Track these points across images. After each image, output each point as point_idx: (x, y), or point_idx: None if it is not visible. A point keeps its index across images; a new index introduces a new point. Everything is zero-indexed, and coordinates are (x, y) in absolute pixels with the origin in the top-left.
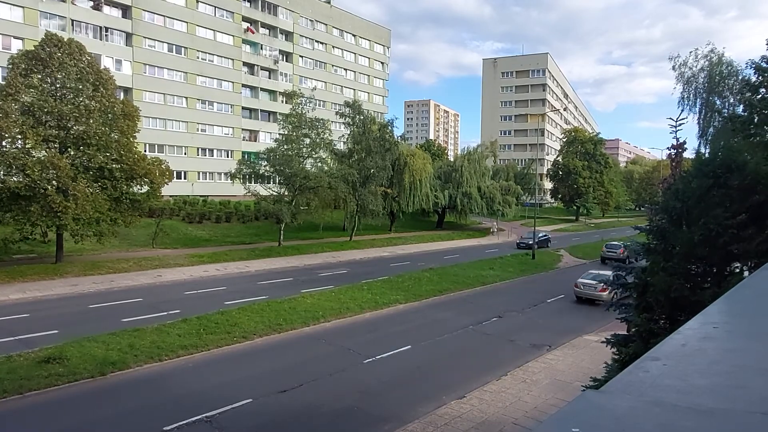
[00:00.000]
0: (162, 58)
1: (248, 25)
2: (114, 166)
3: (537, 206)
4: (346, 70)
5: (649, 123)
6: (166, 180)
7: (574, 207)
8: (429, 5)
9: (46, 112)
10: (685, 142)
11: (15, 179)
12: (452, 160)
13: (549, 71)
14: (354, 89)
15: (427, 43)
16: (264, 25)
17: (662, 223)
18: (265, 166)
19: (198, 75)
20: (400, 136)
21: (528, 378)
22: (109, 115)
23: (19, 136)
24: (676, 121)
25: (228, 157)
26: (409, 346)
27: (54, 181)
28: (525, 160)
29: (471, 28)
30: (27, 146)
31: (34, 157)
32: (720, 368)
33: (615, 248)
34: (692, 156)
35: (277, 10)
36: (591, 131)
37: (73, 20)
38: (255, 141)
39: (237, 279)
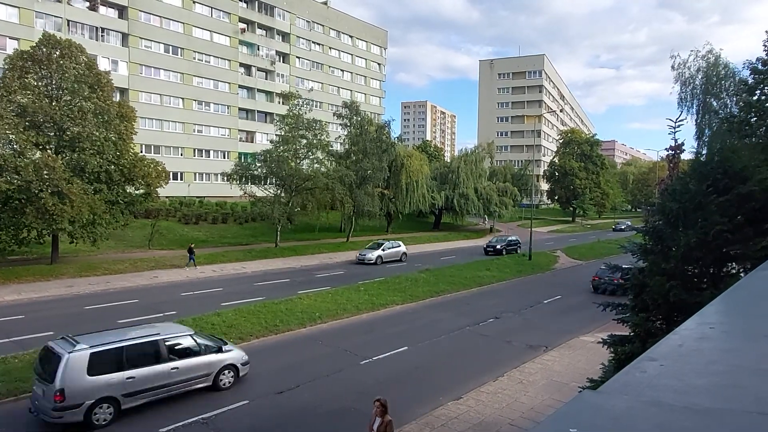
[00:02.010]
0: (158, 58)
1: (244, 25)
2: (110, 167)
3: (534, 207)
4: (342, 71)
5: (639, 124)
6: (163, 182)
7: (571, 208)
8: (418, 9)
9: (41, 114)
10: (683, 144)
11: (7, 179)
12: (449, 161)
13: (545, 72)
14: (351, 90)
15: (418, 46)
16: (261, 26)
17: (659, 225)
18: (260, 167)
19: (194, 76)
20: (397, 137)
21: (525, 379)
22: (105, 117)
23: (12, 136)
24: (675, 123)
25: (224, 158)
26: (406, 347)
27: (48, 184)
28: (522, 161)
29: (460, 32)
30: (21, 148)
31: (28, 159)
32: (717, 368)
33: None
34: (690, 157)
35: (273, 11)
36: (587, 132)
37: (69, 20)
38: (252, 142)
39: (233, 280)
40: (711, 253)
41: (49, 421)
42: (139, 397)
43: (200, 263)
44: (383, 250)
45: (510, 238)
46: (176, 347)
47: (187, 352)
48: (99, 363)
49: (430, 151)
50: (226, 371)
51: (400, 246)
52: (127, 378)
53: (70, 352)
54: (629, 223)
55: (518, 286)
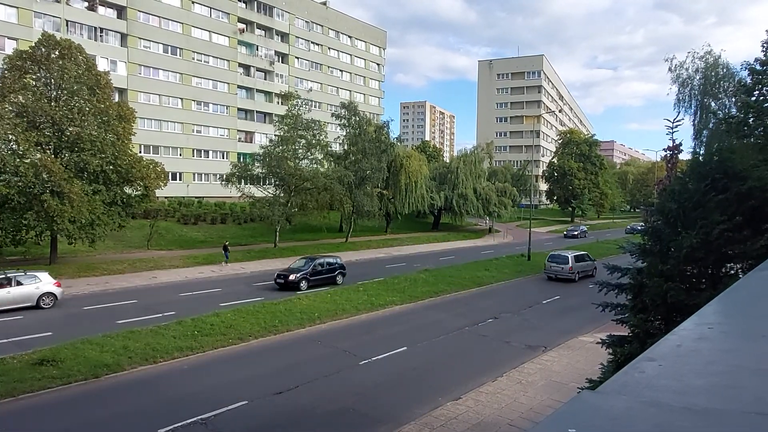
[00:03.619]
0: (157, 59)
1: (243, 26)
2: (108, 168)
3: (533, 208)
4: (342, 71)
5: (637, 125)
6: (162, 183)
7: (570, 208)
8: (416, 10)
9: (41, 114)
10: (680, 144)
11: (6, 182)
12: (448, 161)
13: (544, 73)
14: (350, 91)
15: (416, 47)
16: (260, 26)
17: (658, 225)
18: (258, 168)
19: (193, 76)
20: (396, 138)
21: (523, 379)
22: (104, 117)
23: (12, 137)
24: (673, 123)
25: (223, 158)
26: (405, 348)
27: (48, 185)
28: (521, 161)
29: (458, 33)
30: (20, 149)
31: (27, 159)
32: (715, 369)
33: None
34: (688, 157)
35: (272, 11)
36: (586, 133)
37: (67, 21)
38: (250, 142)
39: (232, 280)
40: (712, 253)
41: (565, 278)
42: (580, 273)
43: (199, 263)
44: None
45: (321, 261)
46: (583, 258)
47: (585, 260)
48: (575, 260)
49: (429, 152)
50: (593, 270)
51: (38, 282)
52: (580, 265)
53: (569, 255)
54: (584, 227)
55: (517, 286)
